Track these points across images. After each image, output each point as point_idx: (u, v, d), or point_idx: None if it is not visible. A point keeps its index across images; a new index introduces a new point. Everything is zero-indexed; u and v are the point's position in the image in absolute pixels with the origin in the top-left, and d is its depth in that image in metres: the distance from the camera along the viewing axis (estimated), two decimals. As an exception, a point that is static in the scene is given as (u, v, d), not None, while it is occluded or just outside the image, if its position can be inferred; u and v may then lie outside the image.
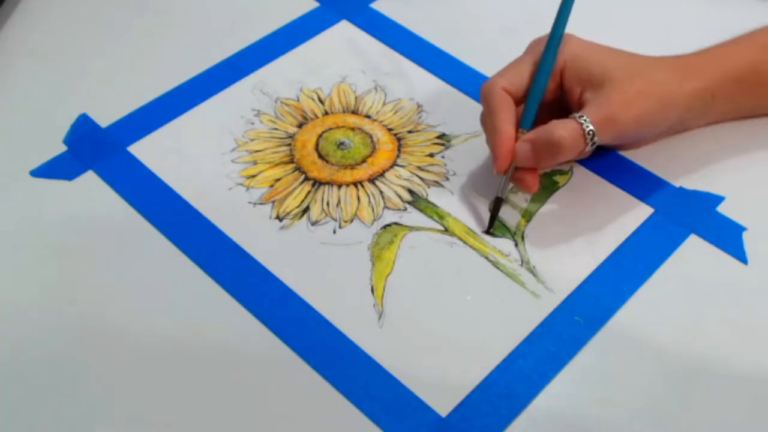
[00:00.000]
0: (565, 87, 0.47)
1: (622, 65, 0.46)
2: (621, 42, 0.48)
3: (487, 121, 0.47)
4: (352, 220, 0.48)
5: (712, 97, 0.48)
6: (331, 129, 0.53)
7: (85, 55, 0.59)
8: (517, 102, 0.47)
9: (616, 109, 0.44)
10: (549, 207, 0.48)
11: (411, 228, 0.47)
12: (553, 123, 0.45)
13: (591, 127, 0.44)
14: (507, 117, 0.46)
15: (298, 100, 0.55)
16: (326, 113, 0.54)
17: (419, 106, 0.54)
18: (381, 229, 0.47)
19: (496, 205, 0.47)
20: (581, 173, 0.50)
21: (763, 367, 0.42)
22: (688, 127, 0.51)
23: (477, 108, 0.51)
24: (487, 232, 0.47)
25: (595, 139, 0.44)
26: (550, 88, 0.47)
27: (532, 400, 0.40)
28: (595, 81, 0.45)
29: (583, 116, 0.44)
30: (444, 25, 0.59)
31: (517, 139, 0.46)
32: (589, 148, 0.45)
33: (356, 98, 0.55)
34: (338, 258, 0.46)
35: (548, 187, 0.49)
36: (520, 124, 0.46)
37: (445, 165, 0.51)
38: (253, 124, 0.53)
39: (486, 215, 0.48)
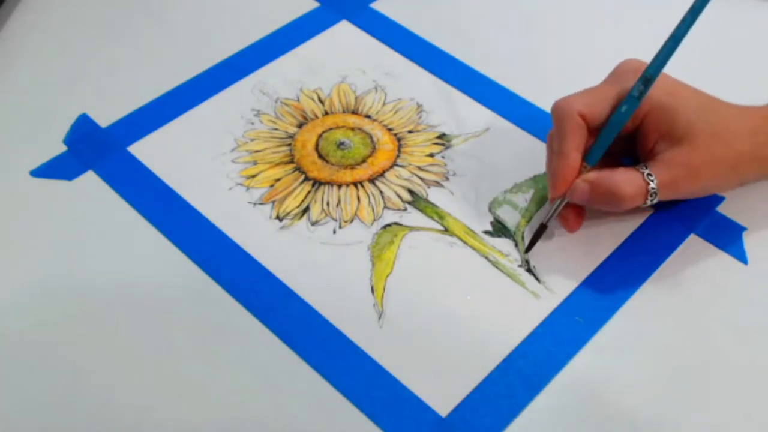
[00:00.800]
0: (642, 130, 0.45)
1: (710, 126, 0.43)
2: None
3: (556, 142, 0.44)
4: (352, 220, 0.48)
5: None
6: (331, 129, 0.53)
7: (85, 55, 0.59)
8: (589, 130, 0.44)
9: (683, 174, 0.43)
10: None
11: (411, 228, 0.47)
12: (619, 172, 0.43)
13: (655, 188, 0.43)
14: (577, 144, 0.44)
15: (298, 100, 0.55)
16: (326, 113, 0.54)
17: (419, 106, 0.54)
18: (381, 229, 0.47)
19: (539, 231, 0.45)
20: (581, 173, 0.50)
21: (763, 367, 0.42)
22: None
23: (477, 108, 0.52)
24: (526, 251, 0.46)
25: (655, 200, 0.43)
26: (626, 126, 0.44)
27: (532, 400, 0.40)
28: (675, 136, 0.43)
29: (651, 174, 0.43)
30: (444, 25, 0.59)
31: (579, 171, 0.44)
32: (647, 205, 0.44)
33: (356, 98, 0.55)
34: (338, 258, 0.46)
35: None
36: (586, 159, 0.44)
37: (445, 165, 0.51)
38: (253, 124, 0.53)
39: (486, 215, 0.48)
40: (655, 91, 0.43)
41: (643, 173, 0.43)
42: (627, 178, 0.43)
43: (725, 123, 0.43)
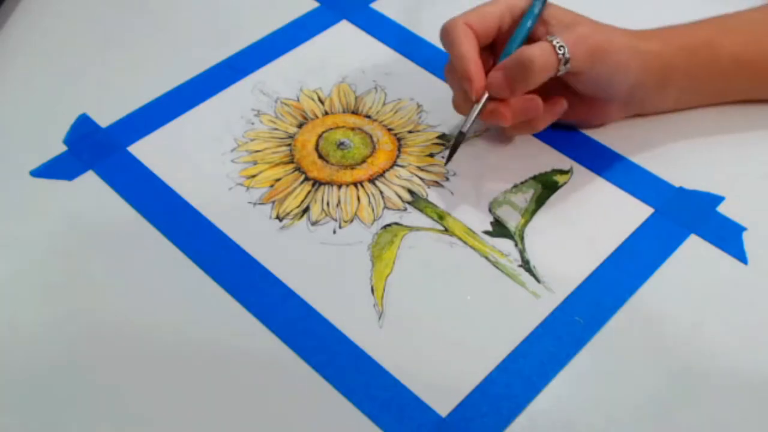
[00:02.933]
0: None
1: (604, 28, 0.47)
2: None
3: (453, 52, 0.47)
4: (352, 220, 0.48)
5: (669, 66, 0.49)
6: (331, 129, 0.53)
7: (85, 55, 0.59)
8: (482, 48, 0.47)
9: (586, 31, 0.46)
10: (549, 207, 0.48)
11: (411, 228, 0.47)
12: (525, 46, 0.45)
13: (562, 43, 0.45)
14: (473, 45, 0.47)
15: (298, 100, 0.55)
16: (326, 113, 0.54)
17: (419, 106, 0.54)
18: (381, 229, 0.47)
19: (458, 139, 0.47)
20: (581, 173, 0.50)
21: (763, 367, 0.42)
22: (650, 100, 0.51)
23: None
24: (446, 163, 0.49)
25: (567, 55, 0.45)
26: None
27: (532, 400, 0.40)
28: (575, 23, 0.47)
29: (558, 39, 0.45)
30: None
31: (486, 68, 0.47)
32: (562, 67, 0.45)
33: (356, 98, 0.55)
34: (338, 258, 0.46)
35: (548, 187, 0.49)
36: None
37: (445, 165, 0.51)
38: (253, 124, 0.53)
39: (486, 215, 0.48)
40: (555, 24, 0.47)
41: (549, 40, 0.45)
42: (532, 46, 0.45)
43: (603, 27, 0.48)
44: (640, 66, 0.48)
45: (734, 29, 0.50)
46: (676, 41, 0.49)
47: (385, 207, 0.48)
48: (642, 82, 0.49)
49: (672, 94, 0.51)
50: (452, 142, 0.48)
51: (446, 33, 0.48)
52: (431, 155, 0.51)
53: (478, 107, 0.46)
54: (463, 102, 0.48)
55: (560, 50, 0.45)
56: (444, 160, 0.50)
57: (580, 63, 0.46)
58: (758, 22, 0.51)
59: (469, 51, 0.46)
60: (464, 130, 0.47)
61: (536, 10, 0.48)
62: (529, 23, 0.47)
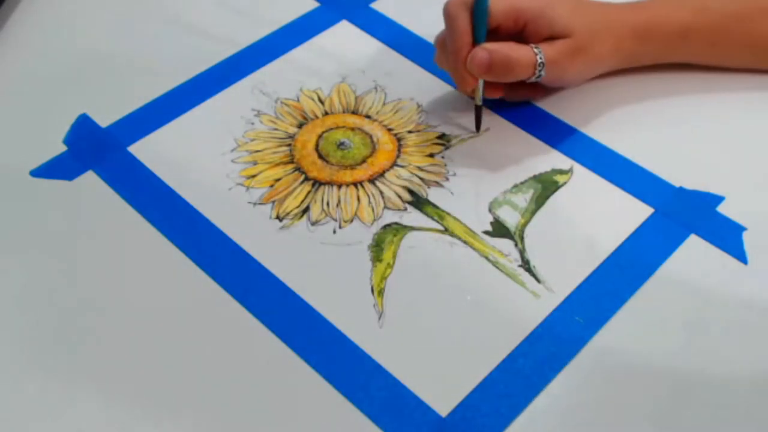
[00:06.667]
0: (526, 34, 0.50)
1: (581, 25, 0.50)
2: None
3: (449, 40, 0.50)
4: (352, 220, 0.48)
5: (638, 55, 0.53)
6: (331, 129, 0.53)
7: (85, 55, 0.59)
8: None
9: (564, 53, 0.49)
10: (549, 207, 0.48)
11: (411, 228, 0.47)
12: (513, 45, 0.48)
13: (542, 60, 0.48)
14: (469, 39, 0.49)
15: (298, 100, 0.55)
16: (326, 113, 0.54)
17: (419, 106, 0.54)
18: (381, 229, 0.47)
19: (478, 111, 0.51)
20: (581, 173, 0.50)
21: (763, 367, 0.42)
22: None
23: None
24: (477, 130, 0.52)
25: (542, 73, 0.49)
26: (511, 29, 0.50)
27: (532, 400, 0.40)
28: (556, 36, 0.49)
29: (539, 50, 0.48)
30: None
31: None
32: (533, 79, 0.49)
33: (356, 98, 0.55)
34: (338, 258, 0.46)
35: (548, 187, 0.49)
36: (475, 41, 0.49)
37: (445, 165, 0.51)
38: (253, 124, 0.53)
39: (486, 215, 0.48)
40: (532, 1, 0.49)
41: (532, 47, 0.49)
42: (520, 49, 0.49)
43: (593, 21, 0.50)
44: (613, 64, 0.53)
45: (710, 9, 0.52)
46: (649, 32, 0.51)
47: (385, 207, 0.48)
48: (615, 66, 0.53)
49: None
50: (477, 115, 0.52)
51: (450, 17, 0.50)
52: (431, 155, 0.51)
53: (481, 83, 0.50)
54: (446, 62, 0.51)
55: (539, 66, 0.48)
56: (444, 160, 0.50)
57: (553, 73, 0.50)
58: (735, 1, 0.52)
59: (467, 36, 0.49)
60: (479, 103, 0.51)
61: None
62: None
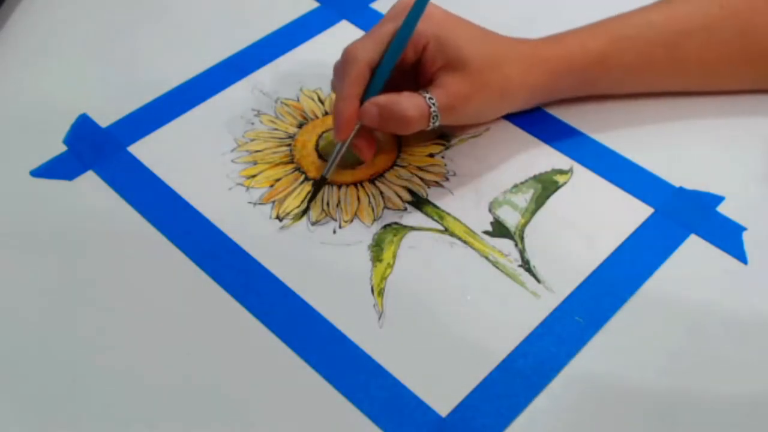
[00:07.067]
0: (422, 61, 0.47)
1: (479, 54, 0.47)
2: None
3: (338, 84, 0.47)
4: (352, 220, 0.48)
5: (553, 90, 0.51)
6: (331, 129, 0.53)
7: (85, 55, 0.59)
8: (372, 71, 0.47)
9: (459, 97, 0.46)
10: (549, 207, 0.48)
11: (411, 228, 0.47)
12: (405, 96, 0.46)
13: (436, 111, 0.46)
14: (359, 91, 0.46)
15: (298, 100, 0.55)
16: (326, 113, 0.54)
17: (419, 106, 0.54)
18: (381, 229, 0.47)
19: (319, 184, 0.48)
20: (581, 173, 0.50)
21: (763, 367, 0.42)
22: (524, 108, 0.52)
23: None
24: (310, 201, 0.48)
25: (437, 123, 0.46)
26: (410, 58, 0.47)
27: (532, 400, 0.40)
28: (451, 65, 0.46)
29: (432, 98, 0.46)
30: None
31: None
32: (429, 128, 0.47)
33: (356, 98, 0.55)
34: (338, 258, 0.46)
35: (548, 187, 0.49)
36: (365, 95, 0.47)
37: (445, 165, 0.51)
38: (253, 124, 0.53)
39: (486, 215, 0.48)
40: (431, 25, 0.47)
41: (425, 97, 0.46)
42: (412, 102, 0.46)
43: (495, 52, 0.48)
44: (520, 102, 0.51)
45: (628, 37, 0.50)
46: (567, 62, 0.49)
47: (385, 207, 0.48)
48: (518, 107, 0.51)
49: (553, 99, 0.52)
50: (313, 188, 0.49)
51: (345, 64, 0.47)
52: (431, 155, 0.51)
53: (342, 149, 0.48)
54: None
55: (433, 118, 0.46)
56: (444, 160, 0.50)
57: (447, 124, 0.48)
58: (654, 26, 0.50)
59: (353, 98, 0.46)
60: (326, 175, 0.48)
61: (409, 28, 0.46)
62: (403, 43, 0.46)
